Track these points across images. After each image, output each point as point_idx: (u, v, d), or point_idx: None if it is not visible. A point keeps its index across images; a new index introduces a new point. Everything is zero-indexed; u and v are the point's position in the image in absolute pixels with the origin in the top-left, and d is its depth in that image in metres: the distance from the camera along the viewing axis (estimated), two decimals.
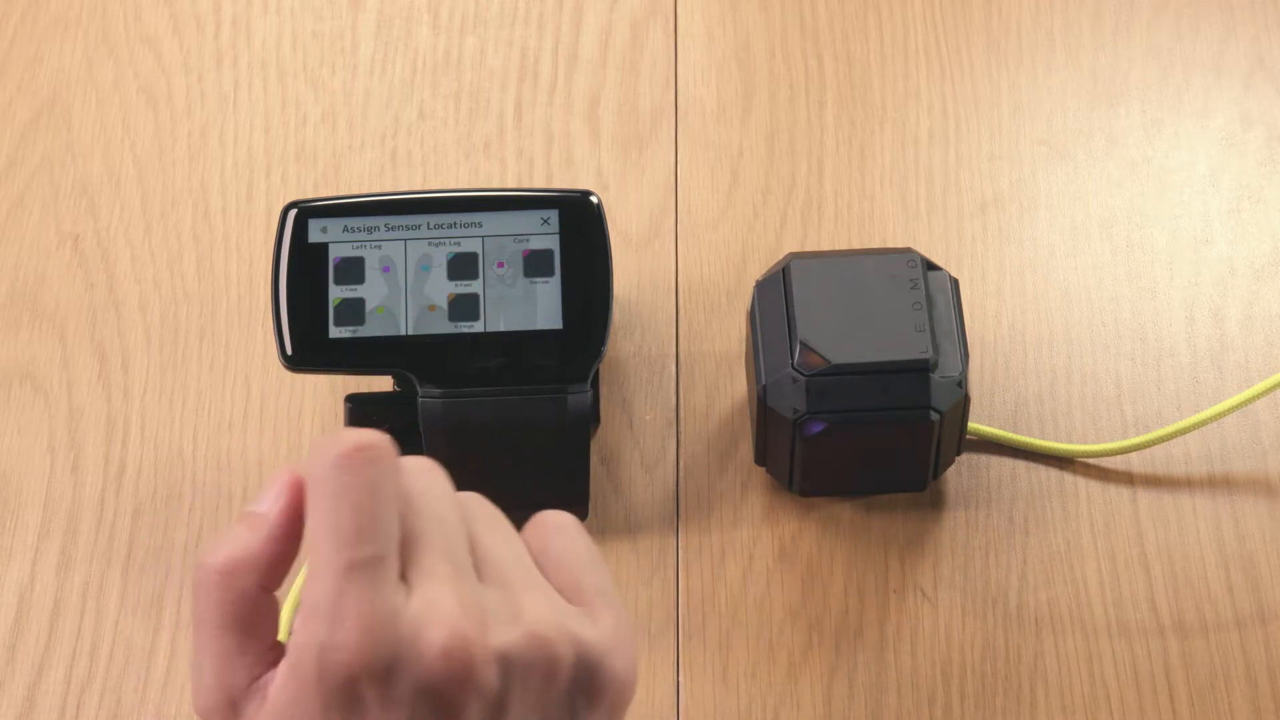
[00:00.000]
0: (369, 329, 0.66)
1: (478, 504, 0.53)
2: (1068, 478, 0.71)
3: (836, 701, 0.66)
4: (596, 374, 0.68)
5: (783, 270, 0.68)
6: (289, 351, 0.66)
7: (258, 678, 0.50)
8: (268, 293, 0.73)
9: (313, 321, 0.66)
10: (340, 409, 0.71)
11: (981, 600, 0.68)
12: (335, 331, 0.66)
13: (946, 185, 0.78)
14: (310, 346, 0.66)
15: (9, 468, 0.72)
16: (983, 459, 0.71)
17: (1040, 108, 0.80)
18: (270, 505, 0.51)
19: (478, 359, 0.66)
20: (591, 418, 0.68)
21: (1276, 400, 0.72)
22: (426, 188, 0.78)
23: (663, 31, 0.83)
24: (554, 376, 0.66)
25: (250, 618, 0.51)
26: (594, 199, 0.68)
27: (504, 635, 0.48)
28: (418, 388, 0.66)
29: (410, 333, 0.66)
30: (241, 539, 0.51)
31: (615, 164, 0.79)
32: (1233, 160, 0.79)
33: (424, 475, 0.51)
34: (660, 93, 0.81)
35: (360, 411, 0.68)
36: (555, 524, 0.53)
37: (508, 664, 0.48)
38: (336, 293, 0.66)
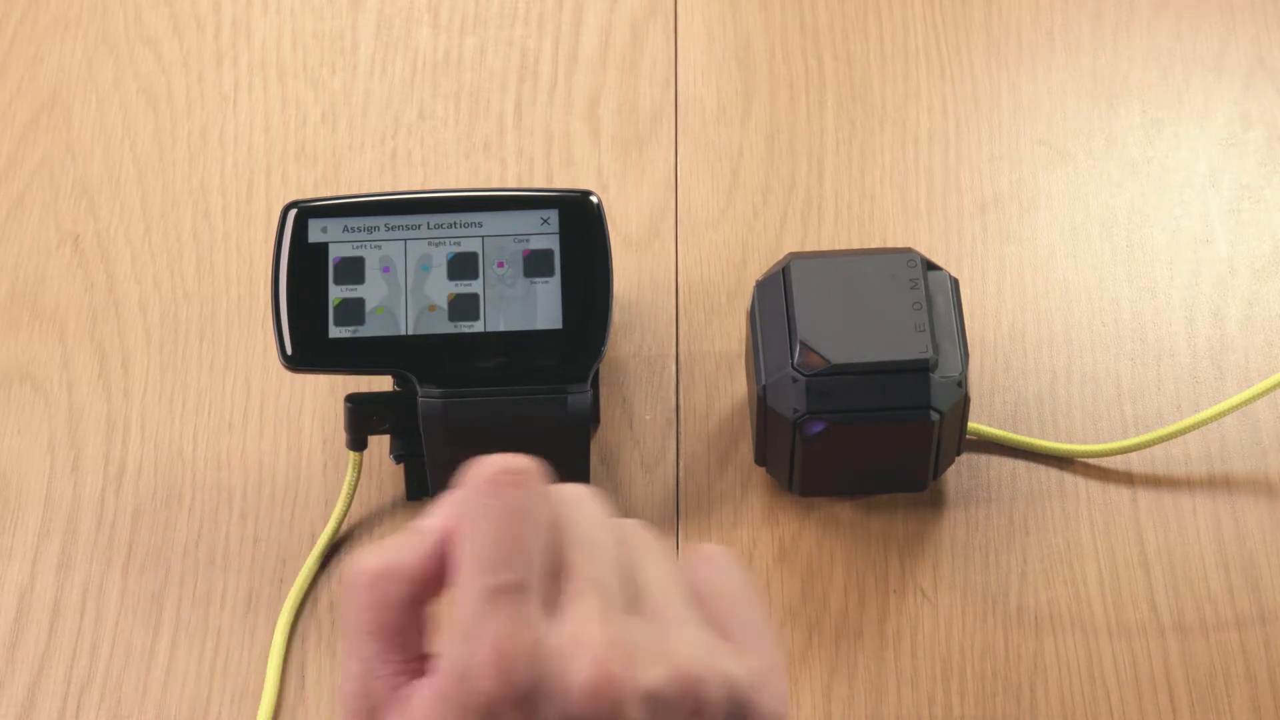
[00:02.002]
0: (369, 329, 0.66)
1: (635, 531, 0.52)
2: (1068, 478, 0.71)
3: (836, 702, 0.66)
4: (596, 374, 0.68)
5: (783, 270, 0.68)
6: (289, 351, 0.66)
7: (399, 688, 0.49)
8: (268, 293, 0.73)
9: (313, 321, 0.66)
10: (340, 409, 0.71)
11: (981, 600, 0.68)
12: (335, 331, 0.66)
13: (946, 185, 0.78)
14: (310, 346, 0.66)
15: (9, 468, 0.72)
16: (983, 459, 0.71)
17: (1040, 108, 0.80)
18: (433, 522, 0.50)
19: (478, 359, 0.66)
20: (591, 418, 0.68)
21: (1276, 400, 0.72)
22: (426, 188, 0.78)
23: (663, 31, 0.83)
24: (554, 376, 0.66)
25: (396, 627, 0.50)
26: (594, 199, 0.68)
27: (652, 673, 0.47)
28: (418, 388, 0.66)
29: (410, 333, 0.66)
30: (397, 549, 0.50)
31: (615, 164, 0.79)
32: (1233, 160, 0.79)
33: (579, 503, 0.51)
34: (660, 93, 0.81)
35: (360, 411, 0.68)
36: (710, 556, 0.52)
37: (654, 703, 0.47)
38: (336, 293, 0.66)
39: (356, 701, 0.49)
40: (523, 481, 0.49)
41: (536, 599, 0.48)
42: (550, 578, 0.49)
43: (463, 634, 0.47)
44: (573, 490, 0.51)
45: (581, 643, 0.47)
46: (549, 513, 0.50)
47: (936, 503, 0.70)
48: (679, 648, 0.49)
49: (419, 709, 0.48)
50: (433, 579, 0.50)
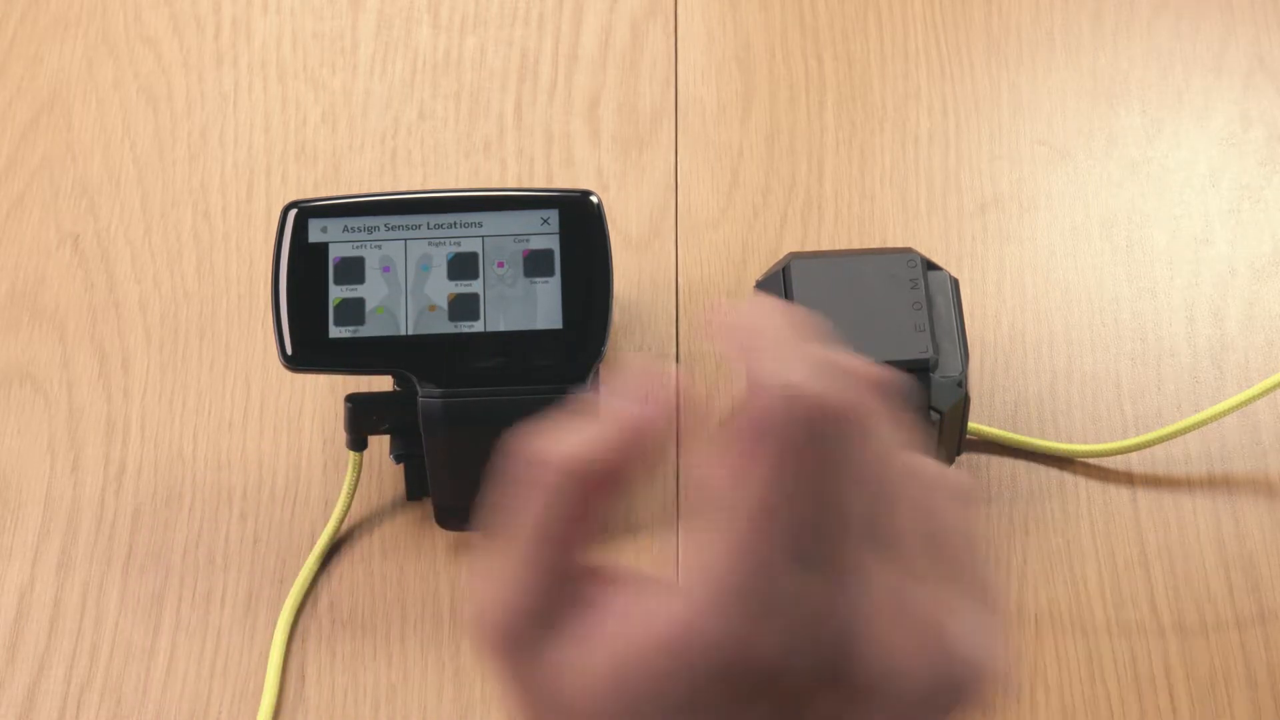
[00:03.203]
0: (369, 329, 0.66)
1: (941, 477, 0.46)
2: (1068, 478, 0.71)
3: None
4: (596, 374, 0.68)
5: (783, 270, 0.67)
6: (289, 351, 0.66)
7: (575, 604, 0.41)
8: (268, 293, 0.73)
9: (313, 321, 0.66)
10: (340, 409, 0.71)
11: None
12: (335, 331, 0.66)
13: (946, 185, 0.78)
14: (310, 346, 0.66)
15: (9, 468, 0.72)
16: (983, 459, 0.71)
17: (1040, 108, 0.80)
18: (621, 405, 0.43)
19: (478, 359, 0.66)
20: None
21: (1276, 400, 0.72)
22: (426, 188, 0.78)
23: (663, 31, 0.83)
24: (554, 376, 0.66)
25: (584, 530, 0.42)
26: (594, 199, 0.68)
27: (922, 659, 0.42)
28: (418, 387, 0.66)
29: (410, 333, 0.66)
30: (596, 434, 0.42)
31: (615, 164, 0.79)
32: (1233, 160, 0.79)
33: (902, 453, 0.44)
34: (660, 93, 0.81)
35: (360, 411, 0.68)
36: (957, 491, 0.46)
37: (914, 685, 0.42)
38: (336, 293, 0.66)
39: (516, 620, 0.41)
40: (848, 427, 0.41)
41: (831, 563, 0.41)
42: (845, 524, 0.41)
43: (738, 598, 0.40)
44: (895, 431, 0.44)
45: (875, 619, 0.41)
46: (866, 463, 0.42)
47: None
48: (953, 636, 0.43)
49: (651, 663, 0.40)
50: (618, 474, 0.42)
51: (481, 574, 0.42)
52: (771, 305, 0.42)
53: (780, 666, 0.40)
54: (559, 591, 0.41)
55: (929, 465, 0.45)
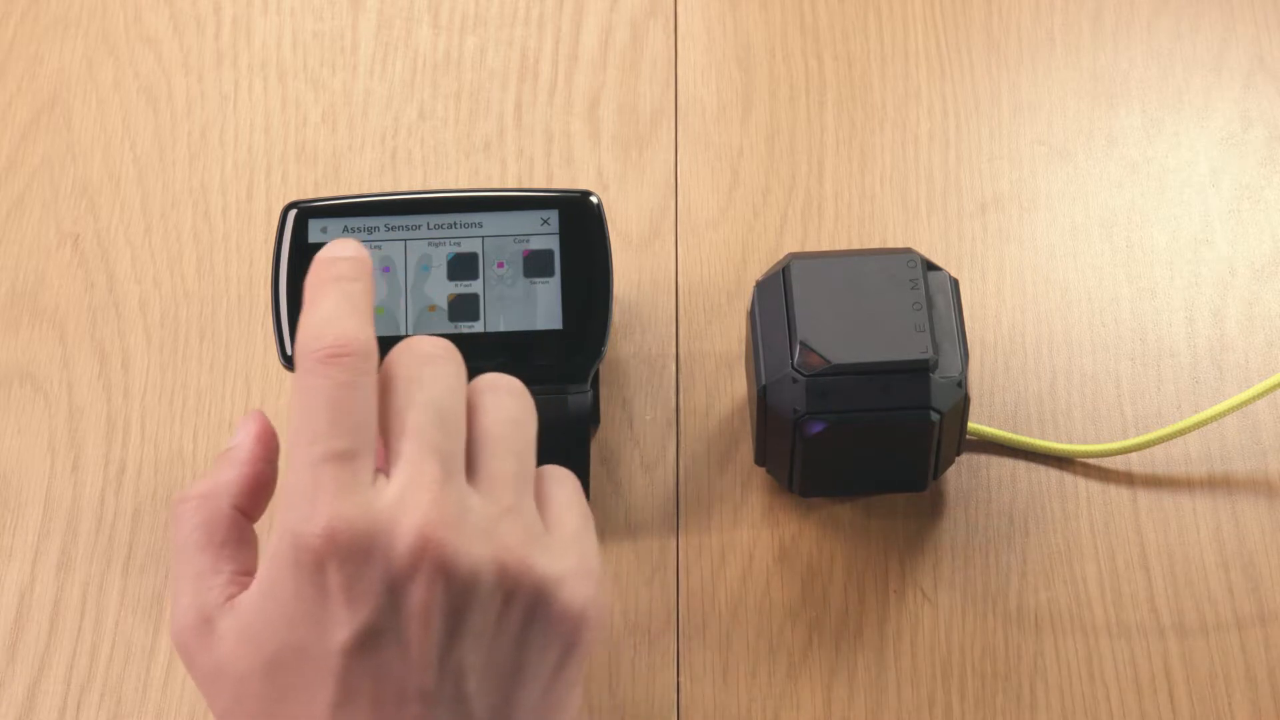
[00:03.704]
0: None
1: (500, 396, 0.54)
2: (1068, 478, 0.71)
3: (836, 702, 0.66)
4: (596, 374, 0.68)
5: (783, 270, 0.68)
6: (289, 351, 0.66)
7: (233, 597, 0.52)
8: (268, 293, 0.73)
9: None
10: None
11: (981, 600, 0.68)
12: None
13: (946, 185, 0.78)
14: None
15: (9, 468, 0.72)
16: (983, 459, 0.71)
17: (1040, 108, 0.80)
18: (240, 437, 0.54)
19: (478, 359, 0.66)
20: (591, 418, 0.68)
21: (1276, 400, 0.72)
22: (426, 188, 0.78)
23: (663, 31, 0.83)
24: (554, 377, 0.66)
25: (226, 539, 0.53)
26: (594, 199, 0.68)
27: (473, 548, 0.49)
28: None
29: (410, 333, 0.66)
30: (217, 469, 0.53)
31: (615, 164, 0.79)
32: (1233, 160, 0.79)
33: (434, 362, 0.53)
34: (660, 93, 0.81)
35: None
36: (558, 474, 0.55)
37: (473, 577, 0.49)
38: None
39: (189, 615, 0.52)
40: (352, 355, 0.51)
41: (368, 465, 0.50)
42: (392, 443, 0.51)
43: (297, 498, 0.49)
44: (431, 346, 0.53)
45: (412, 504, 0.49)
46: (402, 369, 0.52)
47: (936, 503, 0.70)
48: (505, 531, 0.51)
49: (258, 582, 0.50)
50: (254, 488, 0.53)
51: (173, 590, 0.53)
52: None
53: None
54: (217, 592, 0.52)
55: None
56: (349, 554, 0.48)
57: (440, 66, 0.82)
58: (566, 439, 0.66)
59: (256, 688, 0.50)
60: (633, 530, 0.70)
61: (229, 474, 0.54)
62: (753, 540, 0.69)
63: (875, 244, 0.76)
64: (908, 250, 0.68)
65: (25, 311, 0.76)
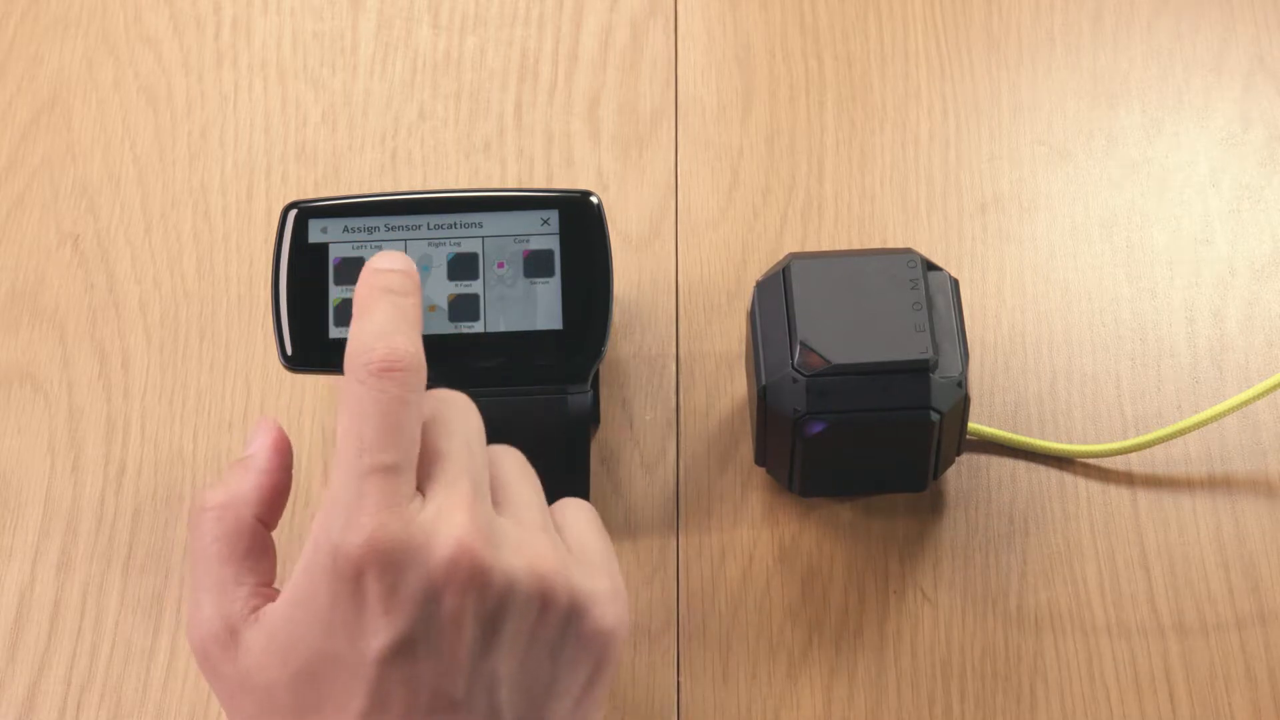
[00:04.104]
0: None
1: (509, 451, 0.56)
2: (1068, 478, 0.71)
3: (836, 702, 0.66)
4: (596, 374, 0.68)
5: (783, 270, 0.68)
6: (289, 352, 0.66)
7: (256, 609, 0.52)
8: (268, 293, 0.73)
9: (313, 322, 0.66)
10: None
11: (981, 600, 0.68)
12: (335, 332, 0.66)
13: (946, 185, 0.78)
14: (310, 347, 0.66)
15: (9, 468, 0.72)
16: (983, 459, 0.71)
17: (1040, 108, 0.80)
18: (257, 446, 0.54)
19: (478, 359, 0.66)
20: (591, 418, 0.68)
21: (1276, 400, 0.72)
22: (426, 188, 0.78)
23: (663, 31, 0.83)
24: (554, 377, 0.66)
25: (249, 550, 0.53)
26: (594, 199, 0.68)
27: (511, 561, 0.50)
28: None
29: None
30: (234, 478, 0.54)
31: (615, 164, 0.79)
32: (1233, 160, 0.79)
33: (459, 406, 0.54)
34: (660, 93, 0.81)
35: None
36: (575, 504, 0.56)
37: (509, 588, 0.50)
38: (336, 293, 0.66)
39: (213, 624, 0.52)
40: (405, 369, 0.52)
41: (411, 481, 0.51)
42: (425, 464, 0.52)
43: (341, 507, 0.50)
44: (456, 395, 0.55)
45: (449, 519, 0.50)
46: (428, 407, 0.53)
47: (936, 503, 0.70)
48: (536, 547, 0.52)
49: (293, 587, 0.51)
50: (273, 497, 0.54)
51: (188, 601, 0.53)
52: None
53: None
54: (241, 604, 0.52)
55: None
56: (388, 564, 0.49)
57: (440, 66, 0.82)
58: (566, 439, 0.66)
59: (284, 698, 0.50)
60: (633, 530, 0.70)
61: (247, 483, 0.54)
62: (753, 540, 0.69)
63: (875, 244, 0.76)
64: (908, 250, 0.68)
65: (25, 311, 0.76)
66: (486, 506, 0.52)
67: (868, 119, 0.80)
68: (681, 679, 0.67)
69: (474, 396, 0.66)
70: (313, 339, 0.66)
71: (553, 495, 0.68)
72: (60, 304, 0.76)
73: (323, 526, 0.50)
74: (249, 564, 0.53)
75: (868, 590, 0.68)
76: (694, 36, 0.83)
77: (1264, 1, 0.83)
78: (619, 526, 0.70)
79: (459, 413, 0.54)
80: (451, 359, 0.66)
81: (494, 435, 0.66)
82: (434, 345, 0.66)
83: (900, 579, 0.69)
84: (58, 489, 0.71)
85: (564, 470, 0.67)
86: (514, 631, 0.50)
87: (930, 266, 0.68)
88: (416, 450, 0.51)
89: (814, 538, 0.70)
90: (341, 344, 0.66)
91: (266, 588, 0.53)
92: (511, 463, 0.55)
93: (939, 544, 0.69)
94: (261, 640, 0.51)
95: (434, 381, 0.66)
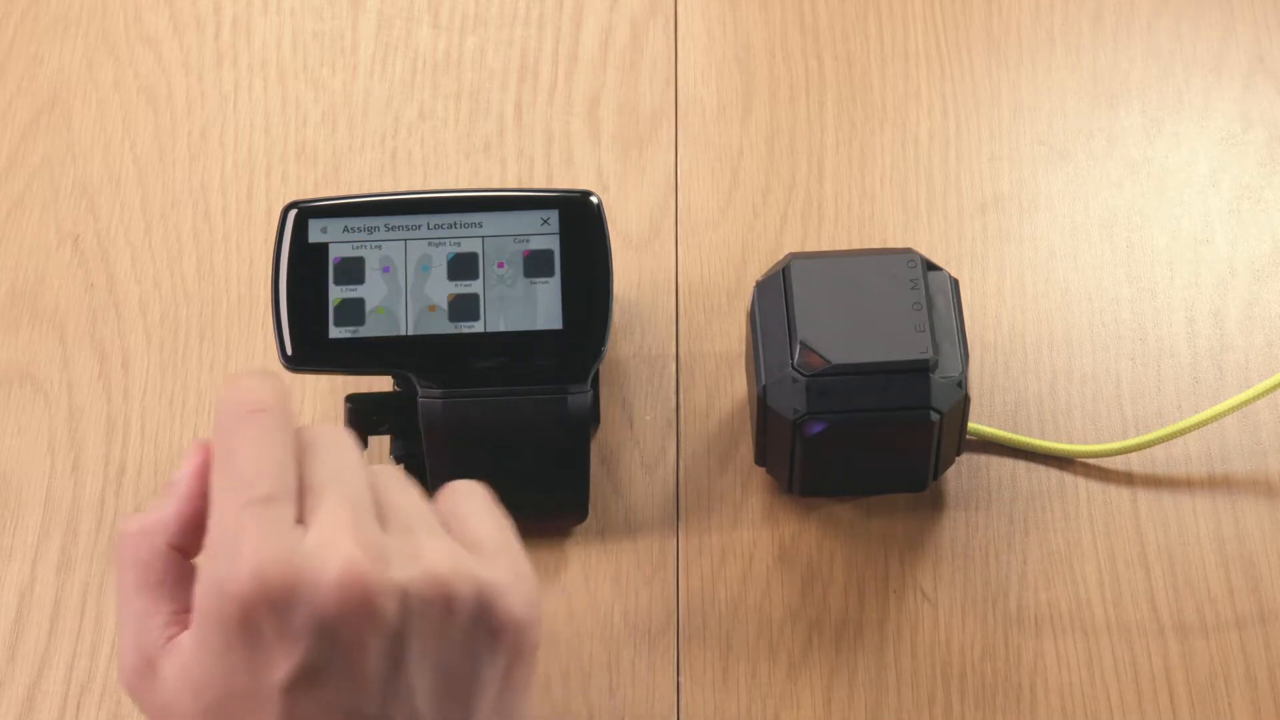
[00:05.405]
0: (369, 329, 0.66)
1: (386, 469, 0.55)
2: (1068, 478, 0.71)
3: (836, 702, 0.66)
4: (596, 374, 0.68)
5: (783, 270, 0.68)
6: (289, 351, 0.66)
7: (173, 637, 0.52)
8: (268, 293, 0.73)
9: (313, 322, 0.66)
10: (340, 409, 0.71)
11: (981, 600, 0.68)
12: (335, 332, 0.66)
13: (946, 185, 0.78)
14: (310, 346, 0.66)
15: (9, 468, 0.72)
16: (983, 459, 0.71)
17: (1040, 108, 0.80)
18: (181, 473, 0.53)
19: (478, 359, 0.66)
20: (591, 418, 0.68)
21: (1276, 400, 0.72)
22: (426, 188, 0.78)
23: (663, 31, 0.83)
24: (554, 377, 0.66)
25: (163, 578, 0.52)
26: (594, 199, 0.68)
27: (402, 572, 0.50)
28: (418, 388, 0.66)
29: (410, 333, 0.66)
30: (155, 506, 0.53)
31: (615, 164, 0.79)
32: (1233, 160, 0.79)
33: (330, 436, 0.54)
34: (660, 93, 0.81)
35: (360, 411, 0.68)
36: (463, 489, 0.55)
37: (406, 599, 0.50)
38: (336, 293, 0.66)
39: (132, 657, 0.52)
40: (268, 406, 0.52)
41: (289, 512, 0.50)
42: (304, 497, 0.51)
43: (220, 548, 0.50)
44: (328, 427, 0.54)
45: (332, 545, 0.49)
46: (302, 441, 0.52)
47: (936, 503, 0.70)
48: (429, 553, 0.51)
49: (188, 637, 0.51)
50: (191, 524, 0.53)
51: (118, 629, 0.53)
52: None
53: None
54: (158, 634, 0.52)
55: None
56: (276, 599, 0.48)
57: (440, 66, 0.82)
58: (566, 439, 0.66)
59: None
60: (633, 530, 0.70)
61: (166, 510, 0.53)
62: (753, 540, 0.69)
63: (875, 244, 0.76)
64: (908, 250, 0.68)
65: (25, 311, 0.76)
66: (371, 526, 0.51)
67: (868, 119, 0.80)
68: (681, 679, 0.67)
69: (474, 396, 0.66)
70: (313, 339, 0.66)
71: (552, 495, 0.68)
72: (60, 304, 0.76)
73: (205, 569, 0.50)
74: (165, 591, 0.52)
75: (868, 590, 0.68)
76: (694, 36, 0.83)
77: (1264, 1, 0.83)
78: (619, 527, 0.70)
79: (330, 441, 0.53)
80: (451, 359, 0.66)
81: (494, 435, 0.66)
82: (434, 345, 0.66)
83: (900, 579, 0.69)
84: (58, 489, 0.71)
85: (564, 471, 0.67)
86: (421, 640, 0.50)
87: (930, 266, 0.68)
88: (293, 483, 0.51)
89: (814, 538, 0.70)
90: (342, 344, 0.66)
91: (185, 614, 0.52)
92: (389, 478, 0.54)
93: (939, 544, 0.69)
94: (176, 671, 0.51)
95: (434, 382, 0.66)
